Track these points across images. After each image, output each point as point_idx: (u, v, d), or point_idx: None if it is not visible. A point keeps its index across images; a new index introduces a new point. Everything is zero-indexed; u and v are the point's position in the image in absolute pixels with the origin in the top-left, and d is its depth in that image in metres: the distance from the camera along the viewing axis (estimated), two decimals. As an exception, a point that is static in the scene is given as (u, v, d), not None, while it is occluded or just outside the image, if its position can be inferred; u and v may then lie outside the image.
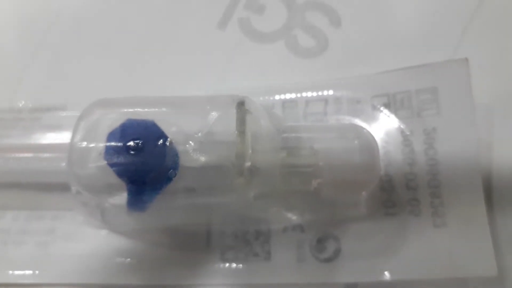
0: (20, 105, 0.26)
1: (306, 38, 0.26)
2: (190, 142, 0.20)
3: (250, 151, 0.19)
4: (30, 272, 0.23)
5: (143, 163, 0.20)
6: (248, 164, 0.19)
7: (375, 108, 0.24)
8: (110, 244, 0.23)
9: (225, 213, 0.22)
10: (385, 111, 0.24)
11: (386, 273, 0.22)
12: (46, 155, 0.23)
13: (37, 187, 0.24)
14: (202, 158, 0.20)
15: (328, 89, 0.24)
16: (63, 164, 0.22)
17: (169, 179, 0.20)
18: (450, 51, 0.25)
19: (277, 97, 0.25)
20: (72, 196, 0.23)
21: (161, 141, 0.20)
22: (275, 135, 0.21)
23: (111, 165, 0.20)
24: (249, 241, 0.23)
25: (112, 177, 0.20)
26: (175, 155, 0.20)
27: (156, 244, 0.23)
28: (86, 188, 0.21)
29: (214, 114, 0.20)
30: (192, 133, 0.20)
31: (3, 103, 0.27)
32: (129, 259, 0.23)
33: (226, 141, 0.20)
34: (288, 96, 0.24)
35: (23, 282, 0.23)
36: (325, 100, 0.24)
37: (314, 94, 0.24)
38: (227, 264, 0.23)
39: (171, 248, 0.23)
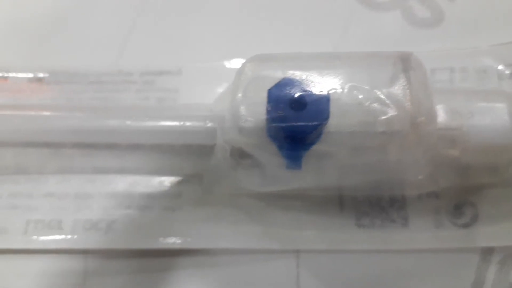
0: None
1: (421, 9, 0.26)
2: (354, 98, 0.19)
3: (420, 110, 0.19)
4: (158, 238, 0.22)
5: (306, 120, 0.19)
6: (422, 120, 0.19)
7: (501, 78, 0.24)
8: (240, 209, 0.23)
9: (363, 177, 0.22)
10: (512, 81, 0.24)
11: (524, 236, 0.22)
12: (187, 114, 0.22)
13: (162, 149, 0.23)
14: (367, 116, 0.19)
15: (453, 59, 0.24)
16: (209, 124, 0.21)
17: (330, 137, 0.19)
18: None
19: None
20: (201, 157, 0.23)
21: (324, 98, 0.19)
22: (433, 95, 0.20)
23: (274, 121, 0.19)
24: (384, 207, 0.23)
25: (273, 134, 0.19)
26: (338, 112, 0.19)
27: (288, 209, 0.23)
28: (244, 145, 0.20)
29: (377, 70, 0.20)
30: (353, 89, 0.19)
31: (109, 66, 0.26)
32: (259, 223, 0.22)
33: (391, 98, 0.19)
34: (413, 64, 0.24)
35: (149, 247, 0.22)
36: (451, 69, 0.24)
37: (439, 63, 0.24)
38: (363, 230, 0.22)
39: (304, 212, 0.23)
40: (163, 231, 0.22)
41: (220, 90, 0.24)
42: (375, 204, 0.23)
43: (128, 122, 0.22)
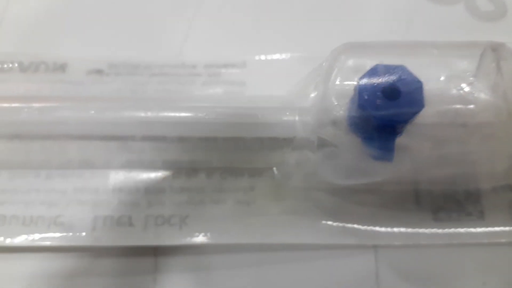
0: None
1: (484, 2, 0.26)
2: (448, 88, 0.19)
3: None
4: (233, 232, 0.21)
5: (401, 109, 0.19)
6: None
7: None
8: (314, 203, 0.22)
9: (447, 168, 0.22)
10: None
11: None
12: (265, 106, 0.21)
13: (234, 142, 0.22)
14: (463, 106, 0.19)
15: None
16: (289, 116, 0.21)
17: (424, 128, 0.19)
18: None
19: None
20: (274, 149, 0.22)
21: (418, 87, 0.19)
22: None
23: (367, 110, 0.19)
24: (460, 201, 0.22)
25: (366, 124, 0.19)
26: (433, 101, 0.19)
27: (363, 204, 0.22)
28: (332, 137, 0.19)
29: (470, 60, 0.19)
30: (448, 78, 0.19)
31: (171, 58, 0.25)
32: (335, 218, 0.22)
33: (486, 88, 0.19)
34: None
35: (224, 242, 0.21)
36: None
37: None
38: (440, 224, 0.22)
39: (380, 207, 0.22)
40: (238, 225, 0.22)
41: (286, 82, 0.24)
42: (450, 197, 0.22)
43: (202, 115, 0.21)
